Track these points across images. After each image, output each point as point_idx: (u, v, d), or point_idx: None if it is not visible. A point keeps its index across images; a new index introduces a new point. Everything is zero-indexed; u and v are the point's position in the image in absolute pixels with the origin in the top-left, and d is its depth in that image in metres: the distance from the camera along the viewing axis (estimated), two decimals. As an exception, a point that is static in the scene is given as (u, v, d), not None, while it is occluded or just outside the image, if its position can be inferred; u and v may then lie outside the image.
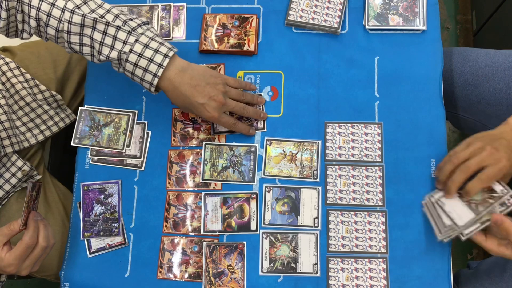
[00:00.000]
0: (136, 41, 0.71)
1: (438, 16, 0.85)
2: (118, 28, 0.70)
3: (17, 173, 0.84)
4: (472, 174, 0.71)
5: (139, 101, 0.87)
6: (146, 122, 0.86)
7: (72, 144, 0.85)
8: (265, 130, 0.83)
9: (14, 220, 0.81)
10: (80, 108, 0.86)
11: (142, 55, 0.71)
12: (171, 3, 0.91)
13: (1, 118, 0.83)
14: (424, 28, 0.84)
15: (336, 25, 0.85)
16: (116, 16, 0.71)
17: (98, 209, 0.83)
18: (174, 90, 0.73)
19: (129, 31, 0.71)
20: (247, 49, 0.86)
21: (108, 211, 0.82)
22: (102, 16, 0.70)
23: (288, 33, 0.87)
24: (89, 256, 0.81)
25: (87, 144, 0.85)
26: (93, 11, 0.70)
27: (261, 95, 0.85)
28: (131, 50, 0.70)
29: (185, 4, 0.91)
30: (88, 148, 0.85)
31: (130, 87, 0.88)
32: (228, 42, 0.87)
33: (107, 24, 0.70)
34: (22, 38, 0.75)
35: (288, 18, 0.87)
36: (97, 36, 0.70)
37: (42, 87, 0.90)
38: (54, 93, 0.91)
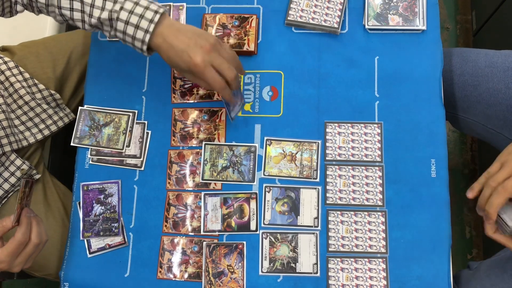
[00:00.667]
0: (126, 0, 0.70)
1: (438, 16, 0.85)
2: None
3: (16, 172, 0.84)
4: (510, 196, 0.67)
5: (139, 101, 0.87)
6: (146, 122, 0.86)
7: (72, 144, 0.85)
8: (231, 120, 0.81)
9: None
10: (80, 108, 0.86)
11: (132, 11, 0.69)
12: (171, 3, 0.91)
13: None
14: (424, 28, 0.84)
15: (336, 25, 0.85)
16: None
17: (98, 209, 0.83)
18: (162, 44, 0.71)
19: None
20: (247, 49, 0.86)
21: (108, 211, 0.82)
22: None
23: (288, 33, 0.87)
24: (89, 256, 0.81)
25: (87, 144, 0.85)
26: None
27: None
28: (121, 8, 0.69)
29: (185, 4, 0.91)
30: (88, 148, 0.85)
31: (130, 87, 0.88)
32: (228, 42, 0.87)
33: None
34: (16, 12, 0.75)
35: (288, 18, 0.87)
36: None
37: (41, 86, 0.90)
38: (53, 92, 0.91)
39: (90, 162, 0.85)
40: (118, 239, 0.81)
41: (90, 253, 0.81)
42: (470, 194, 0.73)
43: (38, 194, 0.91)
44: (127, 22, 0.70)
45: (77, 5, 0.71)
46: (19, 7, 0.74)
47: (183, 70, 0.72)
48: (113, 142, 0.84)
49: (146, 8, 0.70)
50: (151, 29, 0.70)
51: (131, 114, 0.86)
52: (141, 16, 0.69)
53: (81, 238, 0.82)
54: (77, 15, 0.71)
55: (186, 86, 0.87)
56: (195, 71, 0.71)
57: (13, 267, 0.68)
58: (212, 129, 0.85)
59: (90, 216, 0.82)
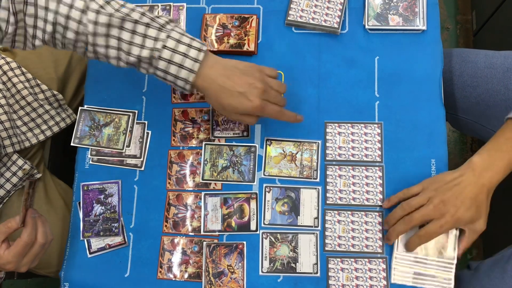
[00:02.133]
0: (168, 36, 0.67)
1: (438, 16, 0.85)
2: (147, 25, 0.67)
3: (17, 172, 0.84)
4: (414, 227, 0.73)
5: (139, 101, 0.87)
6: (146, 122, 0.86)
7: (72, 144, 0.85)
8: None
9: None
10: (80, 108, 0.86)
11: (176, 50, 0.67)
12: (171, 3, 0.91)
13: (1, 118, 0.83)
14: (424, 28, 0.84)
15: (336, 25, 0.85)
16: (143, 14, 0.68)
17: (98, 209, 0.83)
18: (210, 85, 0.69)
19: (159, 27, 0.67)
20: (247, 49, 0.86)
21: (108, 211, 0.82)
22: (128, 15, 0.66)
23: (288, 33, 0.87)
24: (89, 256, 0.81)
25: (87, 144, 0.85)
26: (118, 10, 0.67)
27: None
28: (164, 46, 0.67)
29: (185, 4, 0.91)
30: (88, 148, 0.85)
31: (130, 87, 0.88)
32: (228, 42, 0.87)
33: (136, 22, 0.66)
34: (33, 46, 0.69)
35: (288, 18, 0.87)
36: (126, 35, 0.66)
37: (44, 87, 0.90)
38: (55, 92, 0.91)
39: (90, 162, 0.85)
40: (118, 239, 0.81)
41: (90, 253, 0.81)
42: (386, 204, 0.78)
43: (39, 192, 0.91)
44: (170, 61, 0.67)
45: (113, 42, 0.67)
46: (37, 42, 0.68)
47: (237, 112, 0.71)
48: (113, 142, 0.84)
49: (189, 46, 0.68)
50: (196, 69, 0.68)
51: (131, 114, 0.86)
52: (185, 55, 0.67)
53: (81, 238, 0.82)
54: (112, 53, 0.68)
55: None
56: (253, 112, 0.71)
57: (20, 267, 0.68)
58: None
59: (90, 216, 0.82)
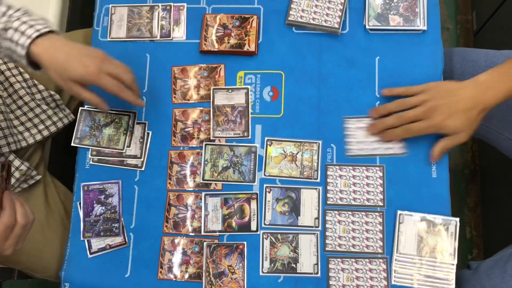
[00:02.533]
0: (24, 14, 0.72)
1: (439, 16, 0.85)
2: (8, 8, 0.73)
3: (14, 172, 0.84)
4: (403, 123, 0.75)
5: (139, 101, 0.87)
6: (147, 122, 0.86)
7: (72, 144, 0.85)
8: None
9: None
10: (80, 108, 0.86)
11: (25, 22, 0.71)
12: (172, 3, 0.91)
13: None
14: (425, 28, 0.84)
15: (336, 25, 0.85)
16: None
17: (98, 209, 0.83)
18: (47, 50, 0.71)
19: (22, 12, 0.73)
20: (247, 49, 0.86)
21: (109, 212, 0.82)
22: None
23: (288, 33, 0.87)
24: (90, 256, 0.81)
25: (87, 144, 0.85)
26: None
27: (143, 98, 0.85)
28: (18, 19, 0.71)
29: (185, 4, 0.91)
30: (89, 148, 0.85)
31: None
32: (228, 42, 0.87)
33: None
34: None
35: (289, 18, 0.86)
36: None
37: (41, 87, 0.90)
38: (52, 93, 0.91)
39: (91, 162, 0.85)
40: (118, 240, 0.81)
41: (90, 253, 0.81)
42: (386, 92, 0.81)
43: (39, 195, 0.91)
44: (16, 29, 0.71)
45: None
46: None
47: (71, 79, 0.72)
48: (113, 142, 0.84)
49: (40, 21, 0.72)
50: (34, 35, 0.70)
51: (131, 114, 0.86)
52: (31, 26, 0.71)
53: (81, 238, 0.82)
54: None
55: (186, 86, 0.87)
56: (88, 79, 0.72)
57: (4, 250, 0.68)
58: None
59: (91, 216, 0.82)
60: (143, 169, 0.84)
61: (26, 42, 0.70)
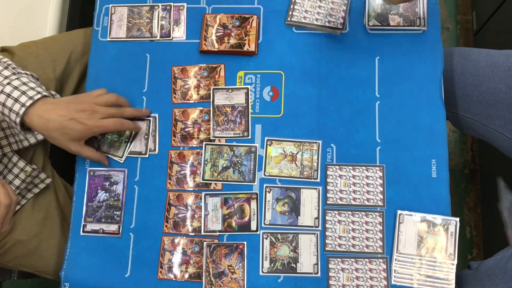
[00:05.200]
0: (17, 78, 0.73)
1: (439, 16, 0.85)
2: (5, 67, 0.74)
3: (19, 174, 0.84)
4: None
5: (139, 101, 0.87)
6: (151, 119, 0.86)
7: None
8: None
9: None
10: None
11: (17, 88, 0.72)
12: (172, 3, 0.91)
13: None
14: (425, 28, 0.84)
15: (340, 26, 0.85)
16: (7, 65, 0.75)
17: (102, 195, 0.83)
18: (39, 121, 0.73)
19: (13, 72, 0.75)
20: (247, 49, 0.86)
21: (112, 199, 0.83)
22: None
23: (288, 33, 0.87)
24: (81, 234, 0.82)
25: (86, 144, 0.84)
26: None
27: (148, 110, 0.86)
28: (8, 83, 0.72)
29: (185, 4, 0.91)
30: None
31: (130, 87, 0.88)
32: (228, 42, 0.87)
33: None
34: None
35: (292, 19, 0.86)
36: None
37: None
38: (53, 92, 0.91)
39: (91, 163, 0.85)
40: (113, 228, 0.81)
41: (83, 231, 0.82)
42: None
43: (50, 199, 0.91)
44: (8, 95, 0.72)
45: None
46: None
47: (73, 139, 0.76)
48: (114, 149, 0.84)
49: (32, 88, 0.73)
50: (27, 104, 0.72)
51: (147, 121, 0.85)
52: (23, 92, 0.72)
53: (82, 222, 0.82)
54: None
55: (186, 86, 0.87)
56: (88, 133, 0.77)
57: None
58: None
59: (94, 201, 0.83)
60: (147, 156, 0.84)
61: (20, 110, 0.72)
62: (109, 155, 0.84)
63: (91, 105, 0.77)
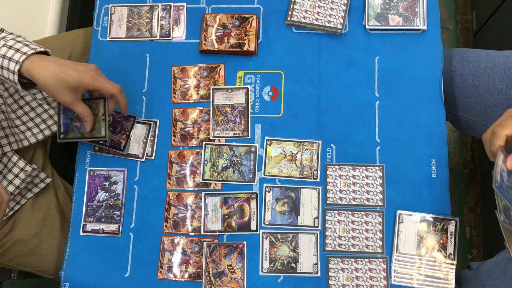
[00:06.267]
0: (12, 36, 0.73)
1: (439, 16, 0.85)
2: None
3: (19, 174, 0.84)
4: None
5: (139, 101, 0.87)
6: (151, 123, 0.86)
7: (58, 141, 0.82)
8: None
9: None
10: (56, 102, 0.84)
11: (19, 41, 0.72)
12: (171, 3, 0.91)
13: None
14: (424, 28, 0.84)
15: (339, 26, 0.85)
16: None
17: (101, 195, 0.83)
18: (41, 64, 0.71)
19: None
20: (247, 49, 0.86)
21: (112, 199, 0.83)
22: None
23: (288, 33, 0.87)
24: (81, 234, 0.82)
25: (72, 138, 0.81)
26: None
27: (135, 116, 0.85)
28: (12, 38, 0.73)
29: (185, 4, 0.91)
30: (89, 148, 0.85)
31: (130, 87, 0.88)
32: (228, 42, 0.87)
33: None
34: None
35: (292, 19, 0.86)
36: None
37: None
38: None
39: (90, 162, 0.85)
40: (113, 227, 0.81)
41: (83, 231, 0.82)
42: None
43: (50, 199, 0.91)
44: (10, 47, 0.71)
45: None
46: None
47: (68, 86, 0.73)
48: (96, 131, 0.81)
49: (32, 43, 0.73)
50: (29, 52, 0.71)
51: (103, 99, 0.82)
52: (26, 45, 0.72)
53: (82, 222, 0.82)
54: None
55: (186, 86, 0.87)
56: (84, 83, 0.73)
57: None
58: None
59: (94, 201, 0.83)
60: (153, 157, 0.84)
61: (21, 57, 0.71)
62: (93, 139, 0.82)
63: (95, 66, 0.77)
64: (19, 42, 0.72)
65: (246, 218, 0.80)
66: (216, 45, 0.87)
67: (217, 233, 0.80)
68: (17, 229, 0.87)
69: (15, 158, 0.84)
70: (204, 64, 0.88)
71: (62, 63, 0.73)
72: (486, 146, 0.68)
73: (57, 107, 0.83)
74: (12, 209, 0.87)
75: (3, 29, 0.76)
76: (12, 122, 0.86)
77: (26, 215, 0.88)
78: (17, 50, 0.71)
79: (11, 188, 0.84)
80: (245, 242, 0.79)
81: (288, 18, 0.87)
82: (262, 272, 0.78)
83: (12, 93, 0.87)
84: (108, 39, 0.91)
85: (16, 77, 0.71)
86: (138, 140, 0.85)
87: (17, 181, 0.84)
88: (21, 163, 0.84)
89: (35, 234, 0.88)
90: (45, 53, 0.74)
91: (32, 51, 0.71)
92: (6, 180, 0.83)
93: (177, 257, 0.80)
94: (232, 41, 0.87)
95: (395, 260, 0.76)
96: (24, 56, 0.70)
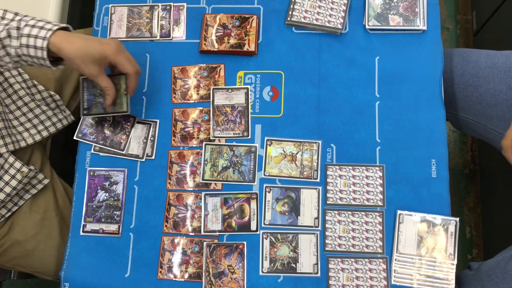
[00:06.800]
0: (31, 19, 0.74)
1: (439, 16, 0.85)
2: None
3: (16, 175, 0.84)
4: None
5: (139, 101, 0.87)
6: (151, 123, 0.86)
7: (82, 116, 0.84)
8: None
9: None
10: (81, 77, 0.85)
11: (38, 20, 0.73)
12: (171, 3, 0.91)
13: None
14: (425, 28, 0.84)
15: (339, 26, 0.85)
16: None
17: (101, 195, 0.83)
18: (69, 38, 0.73)
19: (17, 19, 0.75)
20: (247, 49, 0.86)
21: (112, 199, 0.83)
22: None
23: (288, 33, 0.87)
24: (81, 234, 0.83)
25: (96, 113, 0.83)
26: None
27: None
28: (32, 19, 0.73)
29: (185, 4, 0.91)
30: (89, 148, 0.85)
31: (130, 87, 0.88)
32: (228, 42, 0.87)
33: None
34: None
35: (292, 19, 0.86)
36: None
37: (41, 87, 0.90)
38: (52, 93, 0.91)
39: (90, 163, 0.85)
40: (113, 228, 0.81)
41: (83, 231, 0.83)
42: None
43: (49, 200, 0.91)
44: (33, 26, 0.72)
45: None
46: None
47: (93, 58, 0.75)
48: (118, 106, 0.82)
49: (52, 22, 0.75)
50: (54, 28, 0.73)
51: (124, 76, 0.82)
52: (48, 23, 0.73)
53: (82, 222, 0.82)
54: None
55: (186, 86, 0.87)
56: (107, 54, 0.75)
57: None
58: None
59: (94, 201, 0.83)
60: (152, 157, 0.84)
61: (47, 33, 0.72)
62: (115, 114, 0.83)
63: (118, 41, 0.78)
64: (40, 20, 0.74)
65: (246, 218, 0.80)
66: (216, 45, 0.87)
67: (217, 233, 0.80)
68: (15, 230, 0.87)
69: (11, 159, 0.84)
70: (204, 64, 0.88)
71: (86, 37, 0.76)
72: (509, 152, 0.69)
73: (80, 83, 0.85)
74: (10, 210, 0.87)
75: (17, 13, 0.76)
76: (9, 123, 0.86)
77: (24, 216, 0.88)
78: (41, 28, 0.72)
79: (7, 190, 0.84)
80: (245, 242, 0.79)
81: (288, 18, 0.87)
82: (262, 272, 0.78)
83: (10, 93, 0.87)
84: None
85: (45, 53, 0.72)
86: (138, 140, 0.85)
87: (13, 182, 0.84)
88: (18, 164, 0.84)
89: (33, 235, 0.88)
90: (66, 28, 0.76)
91: (56, 26, 0.73)
92: (3, 181, 0.83)
93: (177, 257, 0.80)
94: (232, 41, 0.87)
95: (395, 260, 0.76)
96: (50, 32, 0.72)
